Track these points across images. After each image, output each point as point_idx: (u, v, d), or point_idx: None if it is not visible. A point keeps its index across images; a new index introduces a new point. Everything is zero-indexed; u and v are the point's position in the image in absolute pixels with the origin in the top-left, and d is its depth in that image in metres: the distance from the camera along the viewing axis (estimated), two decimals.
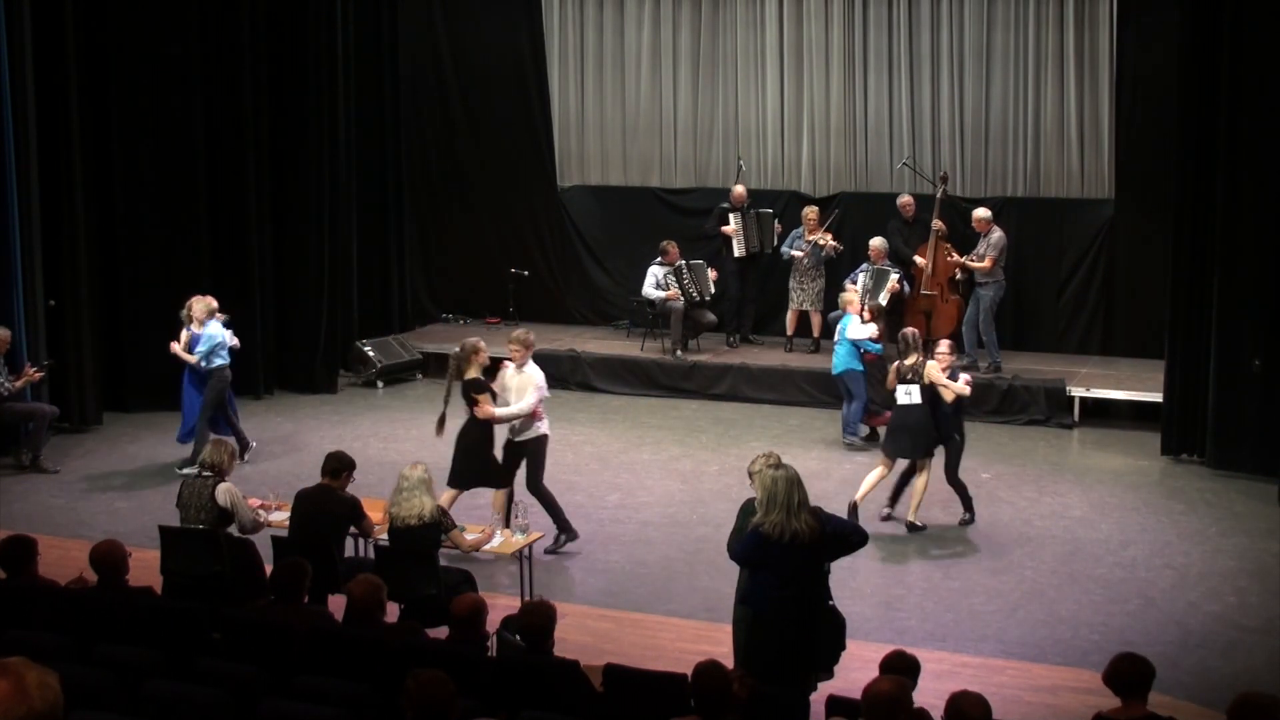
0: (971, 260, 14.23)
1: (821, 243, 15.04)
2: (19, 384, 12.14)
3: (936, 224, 14.50)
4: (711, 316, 15.44)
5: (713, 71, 16.35)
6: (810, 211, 15.20)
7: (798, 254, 15.06)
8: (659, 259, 15.22)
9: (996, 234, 14.20)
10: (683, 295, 15.05)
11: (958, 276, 14.57)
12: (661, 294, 15.09)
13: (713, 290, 15.44)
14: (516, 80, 17.07)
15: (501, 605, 8.45)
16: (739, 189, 15.55)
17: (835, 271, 15.37)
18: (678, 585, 9.75)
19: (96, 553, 7.27)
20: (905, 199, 14.94)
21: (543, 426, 10.20)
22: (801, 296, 15.22)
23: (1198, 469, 12.45)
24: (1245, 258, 12.06)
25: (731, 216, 15.44)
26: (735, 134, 16.32)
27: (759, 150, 16.31)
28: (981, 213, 14.35)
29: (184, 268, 14.31)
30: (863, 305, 13.36)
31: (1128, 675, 5.74)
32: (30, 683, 3.14)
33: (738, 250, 15.41)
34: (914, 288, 14.75)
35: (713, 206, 15.99)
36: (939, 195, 14.63)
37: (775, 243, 15.52)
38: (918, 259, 14.62)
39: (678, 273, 15.11)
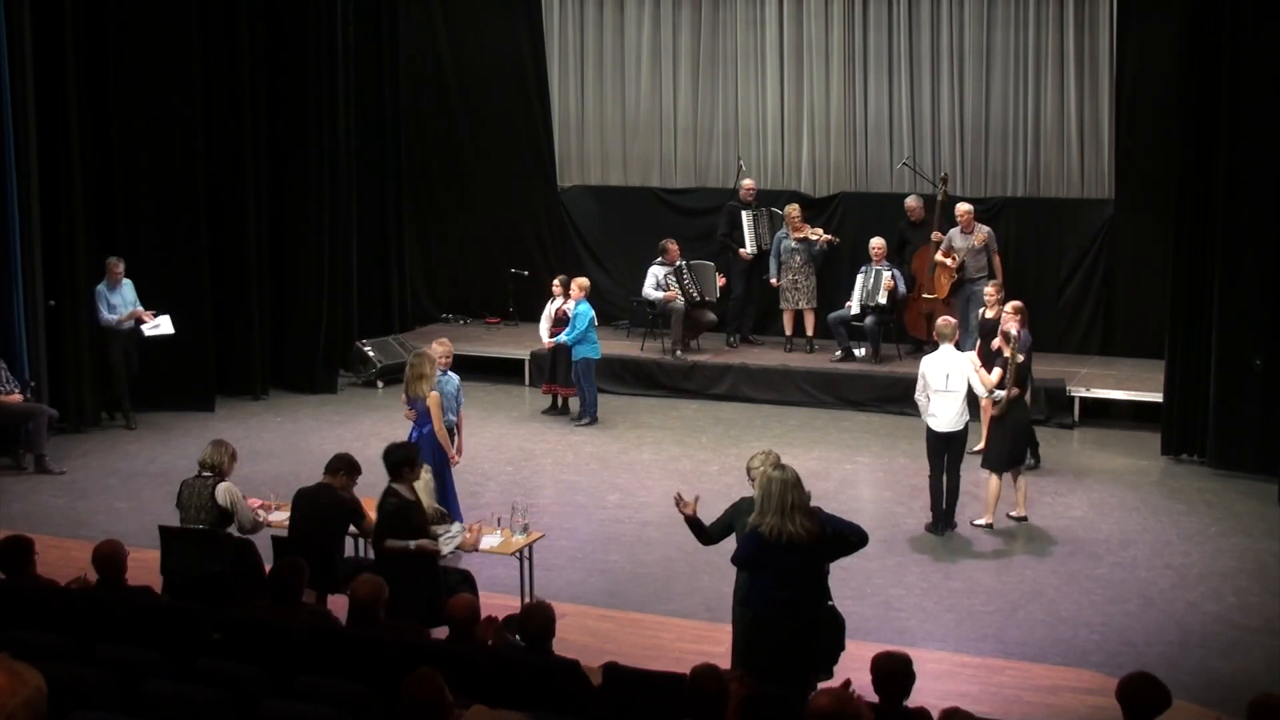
0: (968, 259, 14.06)
1: (814, 238, 15.03)
2: None
3: (935, 235, 14.45)
4: (712, 316, 15.42)
5: (713, 71, 16.35)
6: (792, 209, 15.16)
7: (783, 280, 15.06)
8: (659, 259, 15.21)
9: (987, 228, 14.16)
10: (682, 295, 15.05)
11: (963, 277, 14.35)
12: (661, 294, 15.07)
13: (716, 293, 15.44)
14: (516, 80, 17.07)
15: (501, 605, 8.46)
16: (748, 182, 15.55)
17: (832, 269, 15.38)
18: (678, 585, 9.75)
19: (99, 552, 7.27)
20: (911, 202, 14.85)
21: None
22: (795, 296, 15.21)
23: (1198, 469, 12.45)
24: (1245, 257, 12.06)
25: (744, 214, 15.44)
26: (735, 134, 16.32)
27: (759, 150, 16.30)
28: (966, 207, 14.20)
29: (184, 267, 14.31)
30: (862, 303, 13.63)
31: (1143, 701, 5.55)
32: (19, 667, 3.24)
33: (750, 249, 15.40)
34: (914, 288, 14.73)
35: (712, 206, 16.00)
36: (939, 197, 14.60)
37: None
38: (937, 256, 14.37)
39: (678, 273, 15.10)
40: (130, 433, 13.62)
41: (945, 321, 10.98)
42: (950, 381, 10.49)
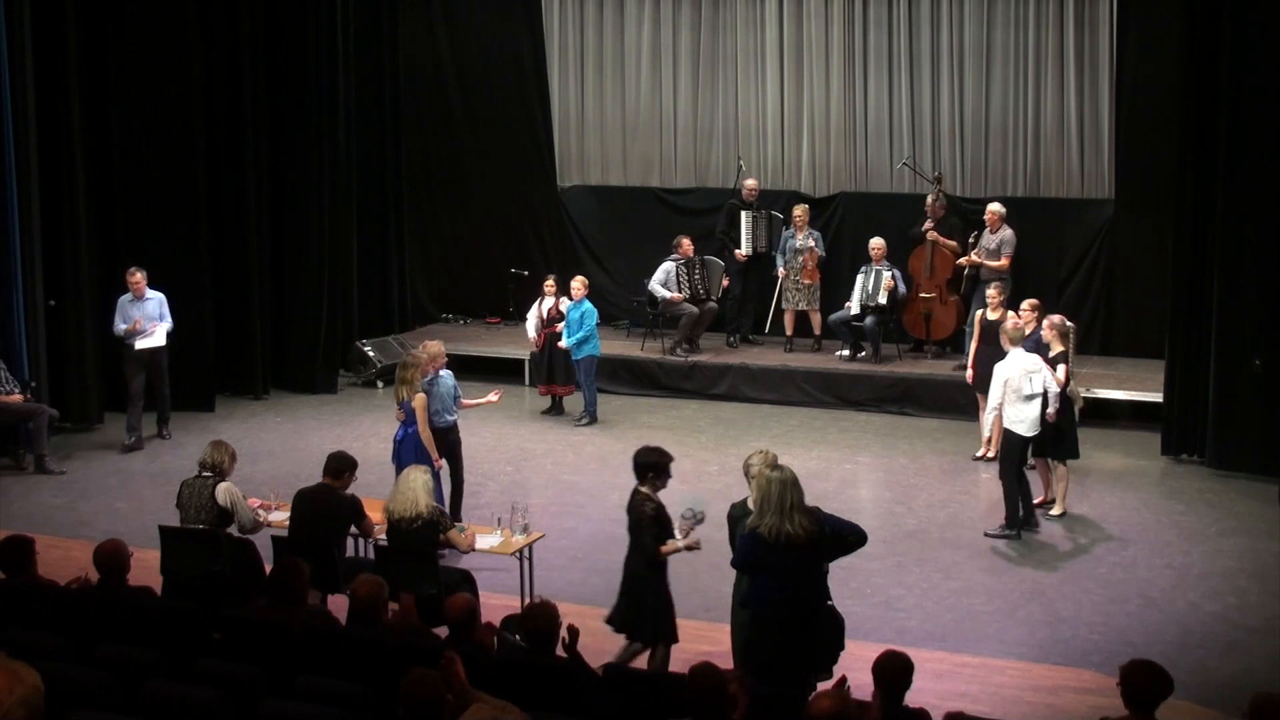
0: (987, 259, 14.07)
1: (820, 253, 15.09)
2: None
3: (931, 234, 14.46)
4: (713, 304, 15.40)
5: (713, 71, 16.34)
6: (799, 210, 15.17)
7: (786, 279, 15.10)
8: (673, 254, 15.20)
9: (1009, 231, 14.12)
10: (689, 289, 15.05)
11: (966, 273, 14.38)
12: (666, 294, 15.06)
13: (719, 292, 15.45)
14: (516, 80, 17.07)
15: (501, 605, 8.46)
16: (750, 182, 15.54)
17: (833, 269, 15.37)
18: (678, 585, 9.66)
19: (102, 551, 7.26)
20: (931, 199, 14.86)
21: None
22: (797, 296, 15.21)
23: (1198, 469, 12.45)
24: (1245, 257, 12.07)
25: (743, 215, 15.44)
26: (735, 134, 16.30)
27: (759, 150, 16.29)
28: (996, 208, 14.18)
29: (184, 267, 14.30)
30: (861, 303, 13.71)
31: (1141, 689, 5.55)
32: (16, 667, 3.25)
33: (745, 249, 15.40)
34: (912, 287, 14.73)
35: (712, 206, 15.98)
36: (934, 196, 14.60)
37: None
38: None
39: (689, 266, 15.10)
40: (131, 433, 13.60)
41: (1015, 325, 11.01)
42: (1033, 383, 10.50)
